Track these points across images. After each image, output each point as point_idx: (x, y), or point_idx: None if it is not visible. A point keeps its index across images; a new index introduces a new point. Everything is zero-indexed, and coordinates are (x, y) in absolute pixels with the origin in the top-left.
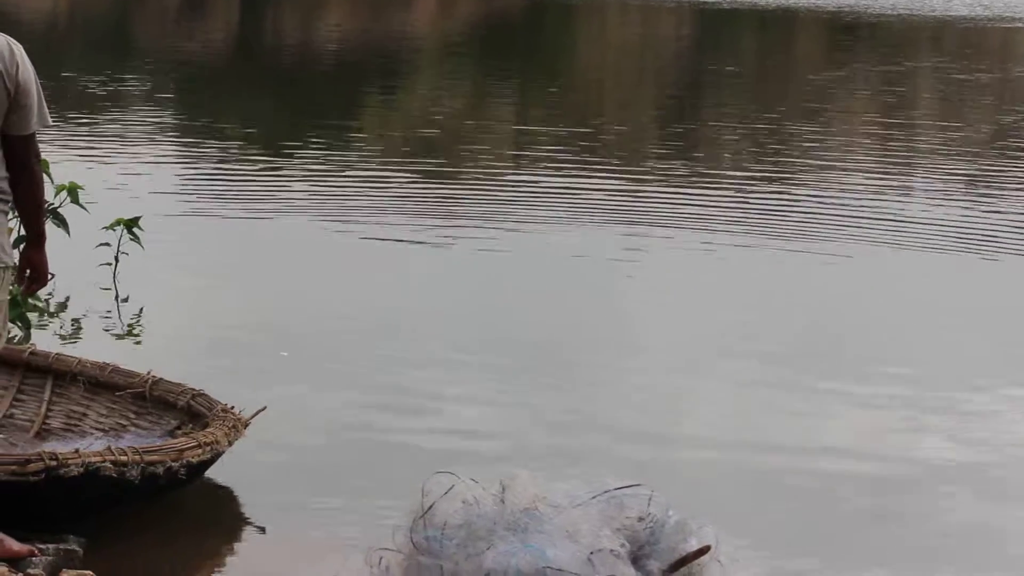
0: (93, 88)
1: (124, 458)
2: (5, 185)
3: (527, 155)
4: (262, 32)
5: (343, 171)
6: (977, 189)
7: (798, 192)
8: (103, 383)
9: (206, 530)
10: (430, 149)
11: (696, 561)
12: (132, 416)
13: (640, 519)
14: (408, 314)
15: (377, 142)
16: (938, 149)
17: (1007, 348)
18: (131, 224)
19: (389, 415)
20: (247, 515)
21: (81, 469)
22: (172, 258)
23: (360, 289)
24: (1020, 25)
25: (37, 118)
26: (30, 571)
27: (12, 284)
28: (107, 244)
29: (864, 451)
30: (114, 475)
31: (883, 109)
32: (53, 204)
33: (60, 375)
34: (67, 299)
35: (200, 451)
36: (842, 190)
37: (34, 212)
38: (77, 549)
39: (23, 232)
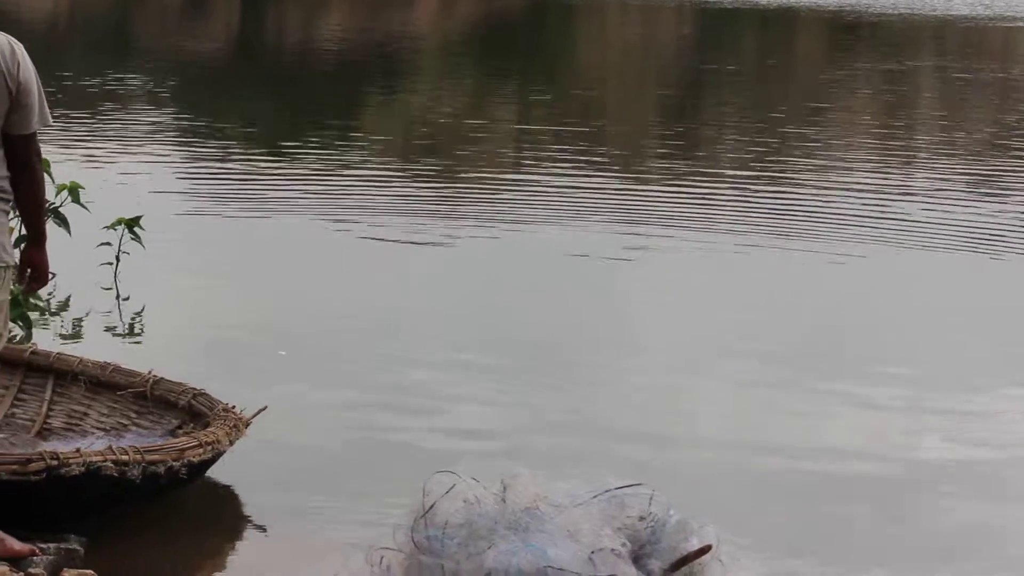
0: (94, 87)
1: (125, 457)
2: (6, 184)
3: (527, 155)
4: (263, 32)
5: (344, 171)
6: (979, 189)
7: (799, 192)
8: (104, 382)
9: (207, 529)
10: (430, 149)
11: (697, 560)
12: (133, 415)
13: (641, 518)
14: (409, 314)
15: (377, 142)
16: (940, 149)
17: (1008, 348)
18: (132, 224)
19: (390, 414)
20: (248, 514)
21: (82, 468)
22: (173, 258)
23: (361, 288)
24: (1021, 24)
25: (38, 117)
26: (31, 570)
27: (14, 283)
28: (108, 244)
29: (865, 451)
30: (115, 474)
31: (884, 108)
32: (54, 203)
33: (61, 374)
34: (68, 299)
35: (201, 450)
36: (843, 190)
37: (35, 211)
38: (78, 548)
39: (24, 232)
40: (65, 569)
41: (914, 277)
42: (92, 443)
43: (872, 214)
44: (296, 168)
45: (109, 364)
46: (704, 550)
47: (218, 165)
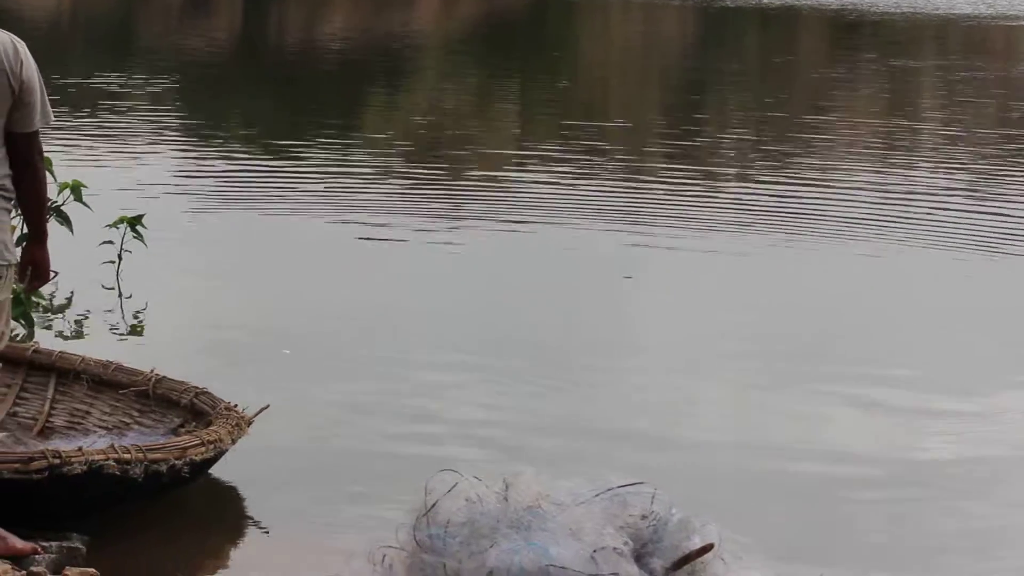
0: (96, 86)
1: (127, 456)
2: (8, 183)
3: (529, 154)
4: (265, 31)
5: (346, 170)
6: (981, 188)
7: (801, 192)
8: (106, 381)
9: (209, 528)
10: (432, 148)
11: (699, 559)
12: (135, 414)
13: (643, 517)
14: (410, 313)
15: (380, 141)
16: (941, 148)
17: (1010, 348)
18: (134, 222)
19: (392, 414)
20: (250, 513)
21: (84, 467)
22: (175, 256)
23: (362, 288)
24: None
25: (40, 116)
26: (33, 569)
27: (15, 282)
28: (110, 242)
29: (866, 451)
30: (117, 473)
31: (886, 108)
32: (56, 202)
33: (63, 373)
34: (70, 297)
35: (203, 449)
36: (845, 190)
37: (37, 210)
38: (80, 547)
39: (26, 230)
40: (67, 568)
41: (915, 277)
42: (94, 442)
43: (873, 214)
44: (298, 167)
45: (111, 363)
46: (706, 548)
47: (220, 164)
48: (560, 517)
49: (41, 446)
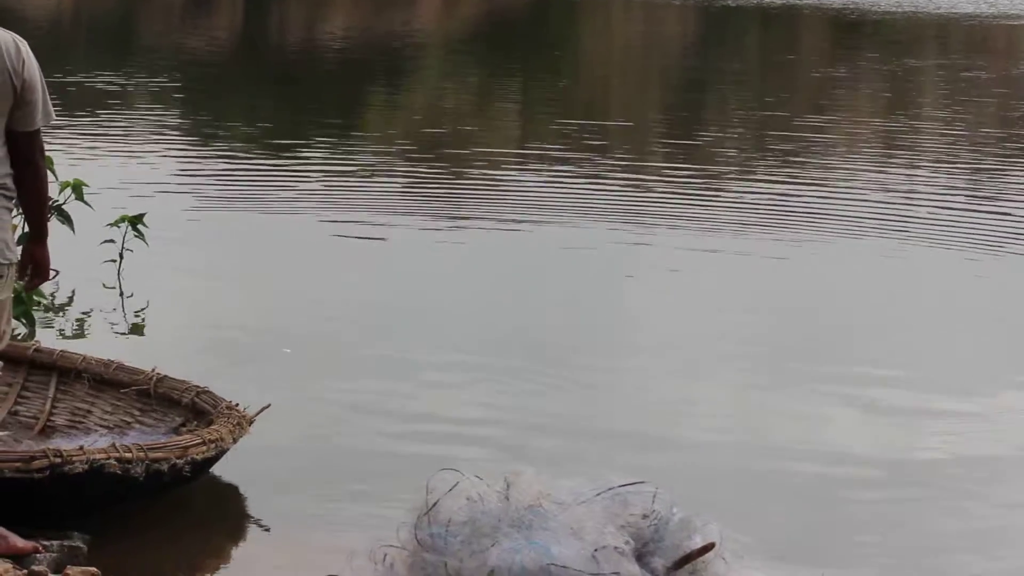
0: (97, 85)
1: (129, 455)
2: (9, 182)
3: (530, 153)
4: (266, 30)
5: (347, 169)
6: (982, 187)
7: (802, 191)
8: (107, 380)
9: (211, 527)
10: (433, 147)
11: (700, 558)
12: (136, 413)
13: (644, 516)
14: (411, 312)
15: (381, 140)
16: (943, 148)
17: (1010, 348)
18: (135, 221)
19: (393, 413)
20: (251, 512)
21: (86, 466)
22: (176, 255)
23: (363, 287)
24: None
25: (42, 114)
26: (34, 568)
27: (16, 281)
28: (111, 241)
29: (866, 451)
30: (119, 472)
31: (887, 107)
32: (57, 200)
33: (64, 372)
34: (71, 296)
35: (205, 448)
36: (846, 189)
37: (38, 208)
38: (81, 546)
39: (27, 229)
40: (68, 566)
41: (916, 277)
42: (95, 441)
43: (875, 214)
44: (299, 166)
45: (112, 362)
46: (707, 548)
47: (221, 163)
48: (561, 516)
49: (42, 445)
